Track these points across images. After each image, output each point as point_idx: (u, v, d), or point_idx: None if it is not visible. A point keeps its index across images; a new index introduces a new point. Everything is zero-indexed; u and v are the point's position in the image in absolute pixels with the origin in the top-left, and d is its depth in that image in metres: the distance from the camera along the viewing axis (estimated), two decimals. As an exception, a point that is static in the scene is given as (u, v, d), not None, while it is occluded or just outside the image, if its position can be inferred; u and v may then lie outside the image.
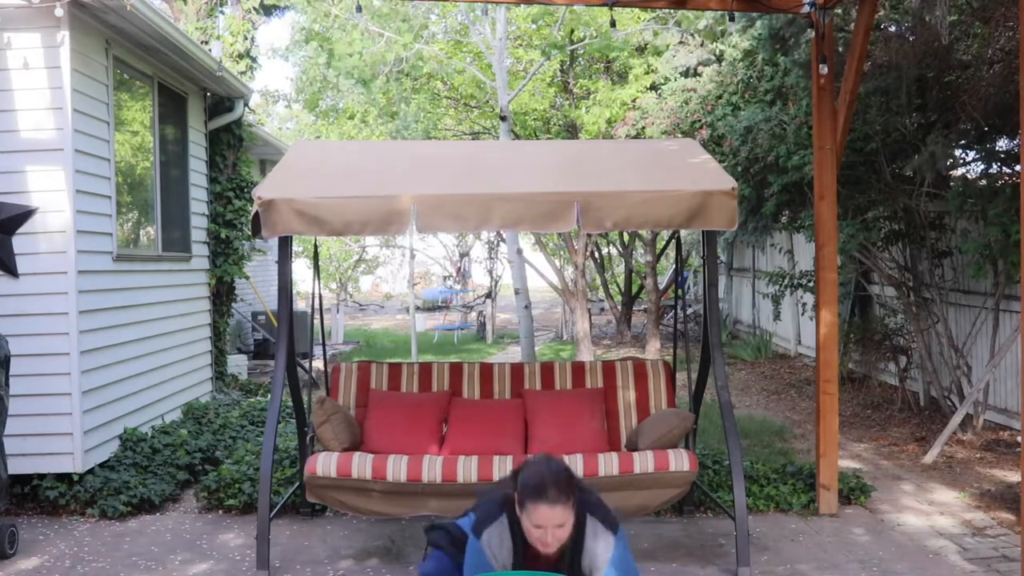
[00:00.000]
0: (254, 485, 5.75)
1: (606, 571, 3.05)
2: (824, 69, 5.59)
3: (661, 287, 16.03)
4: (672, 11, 10.13)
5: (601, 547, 3.08)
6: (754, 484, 5.87)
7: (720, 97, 9.77)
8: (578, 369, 5.64)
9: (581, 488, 3.10)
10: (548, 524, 2.93)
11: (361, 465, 4.68)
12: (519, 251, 11.52)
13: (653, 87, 12.24)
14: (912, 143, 7.73)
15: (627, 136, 11.29)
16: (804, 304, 10.07)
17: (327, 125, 17.33)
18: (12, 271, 5.07)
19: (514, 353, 14.72)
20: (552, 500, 2.93)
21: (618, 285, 18.65)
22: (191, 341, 8.22)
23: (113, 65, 6.66)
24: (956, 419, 7.12)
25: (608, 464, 4.65)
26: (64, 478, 5.90)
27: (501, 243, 17.79)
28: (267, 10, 11.44)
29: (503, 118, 11.04)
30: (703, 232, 5.13)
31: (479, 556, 3.07)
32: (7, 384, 5.01)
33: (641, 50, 13.00)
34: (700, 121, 9.77)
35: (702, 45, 10.84)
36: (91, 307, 6.11)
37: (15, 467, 5.65)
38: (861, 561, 4.88)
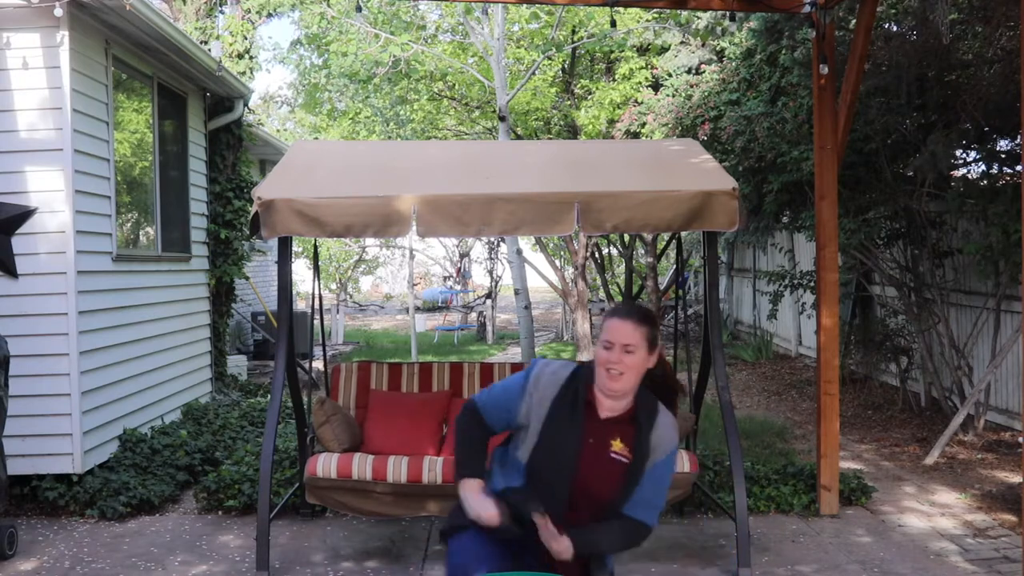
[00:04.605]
0: (254, 486, 5.74)
1: (665, 458, 2.89)
2: (825, 69, 5.58)
3: (662, 288, 16.02)
4: (676, 11, 10.12)
5: (670, 431, 2.91)
6: (755, 485, 5.86)
7: (721, 93, 9.76)
8: (578, 369, 5.62)
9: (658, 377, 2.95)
10: (617, 340, 2.79)
11: (361, 466, 4.67)
12: (519, 251, 11.51)
13: (654, 85, 12.23)
14: (913, 143, 7.72)
15: (627, 132, 11.28)
16: (804, 304, 10.06)
17: (327, 125, 17.33)
18: (12, 271, 5.06)
19: (514, 354, 14.72)
20: (623, 315, 2.84)
21: (619, 286, 18.63)
22: (191, 342, 8.21)
23: (112, 65, 6.65)
24: (957, 420, 7.11)
25: (609, 465, 4.64)
26: (63, 479, 5.89)
27: (501, 243, 17.78)
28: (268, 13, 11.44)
29: (502, 118, 11.03)
30: (704, 232, 5.11)
31: (525, 374, 2.91)
32: (6, 385, 5.00)
33: (643, 51, 13.00)
34: (702, 116, 9.76)
35: (703, 45, 10.84)
36: (90, 307, 6.10)
37: (14, 468, 5.64)
38: (862, 562, 4.87)
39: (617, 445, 2.87)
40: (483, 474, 2.93)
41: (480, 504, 2.82)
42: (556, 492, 2.83)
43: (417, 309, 18.29)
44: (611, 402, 2.88)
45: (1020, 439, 7.19)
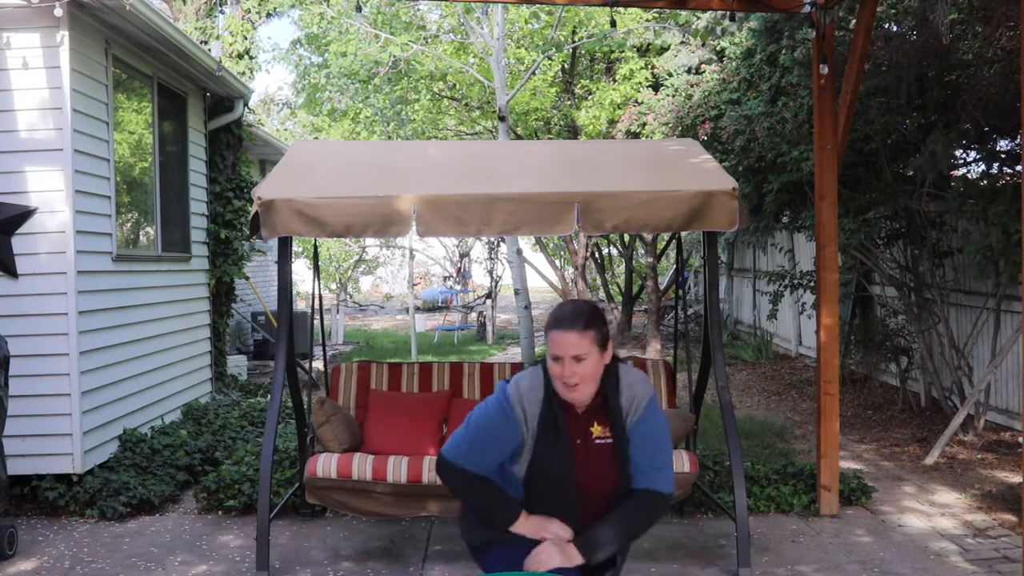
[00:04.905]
0: (254, 486, 5.74)
1: (643, 413, 2.77)
2: (825, 69, 5.58)
3: (662, 288, 16.03)
4: (676, 11, 10.12)
5: (640, 385, 2.78)
6: (755, 485, 5.86)
7: (721, 93, 9.77)
8: (578, 369, 5.62)
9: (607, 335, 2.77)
10: (564, 353, 2.64)
11: (361, 466, 4.67)
12: (519, 251, 11.50)
13: (655, 85, 12.24)
14: (913, 143, 7.72)
15: (627, 132, 11.29)
16: (804, 304, 10.06)
17: (327, 126, 17.33)
18: (12, 272, 5.06)
19: (514, 354, 14.71)
20: (566, 325, 2.65)
21: (619, 286, 18.64)
22: (191, 342, 8.21)
23: (112, 65, 6.64)
24: (957, 420, 7.11)
25: (609, 465, 4.64)
26: (63, 479, 5.89)
27: (501, 243, 17.78)
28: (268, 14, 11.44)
29: (502, 118, 11.03)
30: (704, 232, 5.11)
31: (501, 402, 2.73)
32: (6, 385, 5.00)
33: (643, 51, 13.00)
34: (702, 116, 9.76)
35: (703, 45, 10.84)
36: (90, 307, 6.10)
37: (14, 468, 5.64)
38: (862, 562, 4.87)
39: (597, 430, 2.78)
40: (521, 508, 2.79)
41: (558, 529, 2.74)
42: (565, 499, 2.75)
43: (417, 309, 18.29)
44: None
45: (1020, 439, 7.19)
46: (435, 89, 14.72)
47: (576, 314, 2.69)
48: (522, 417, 2.73)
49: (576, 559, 2.70)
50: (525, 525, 2.77)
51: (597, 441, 2.77)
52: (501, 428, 2.74)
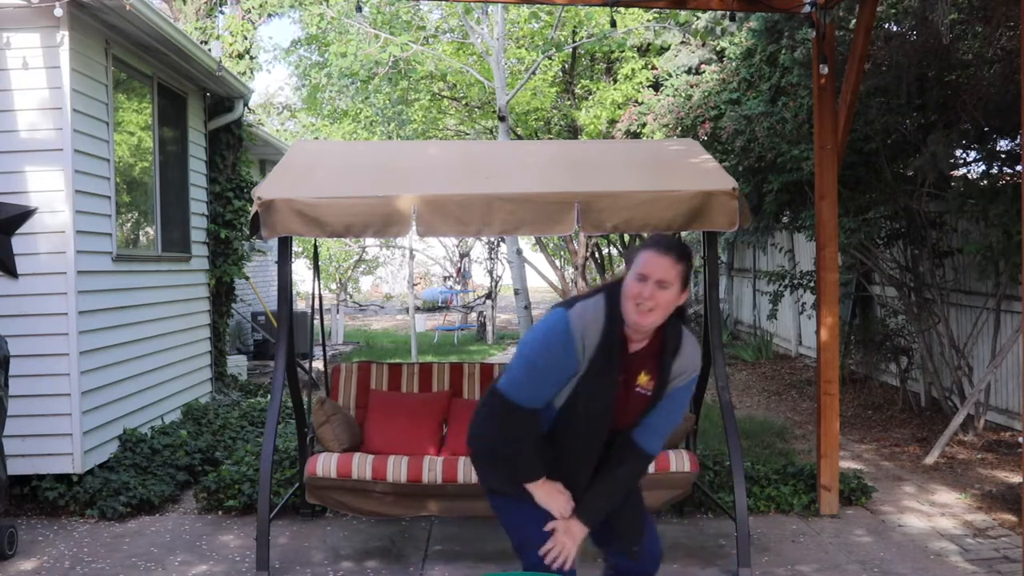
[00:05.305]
0: (254, 486, 5.74)
1: (687, 383, 2.84)
2: (825, 69, 5.58)
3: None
4: (676, 11, 10.12)
5: (696, 358, 2.84)
6: (755, 485, 5.86)
7: (721, 93, 9.78)
8: (578, 369, 5.62)
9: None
10: (652, 274, 2.64)
11: (361, 466, 4.67)
12: (519, 251, 11.51)
13: (655, 85, 12.24)
14: (913, 143, 7.72)
15: (627, 132, 11.29)
16: (804, 304, 10.06)
17: (327, 126, 17.33)
18: (12, 272, 5.05)
19: (514, 354, 14.71)
20: (663, 249, 2.67)
21: (619, 285, 18.61)
22: (191, 342, 8.21)
23: (112, 65, 6.64)
24: (957, 420, 7.11)
25: (609, 465, 4.64)
26: (63, 479, 5.89)
27: (501, 243, 17.78)
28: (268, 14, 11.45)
29: (502, 118, 11.03)
30: (704, 232, 5.11)
31: (562, 333, 2.69)
32: (6, 385, 5.00)
33: (643, 51, 13.01)
34: (702, 116, 9.77)
35: (703, 45, 10.85)
36: (90, 307, 6.10)
37: (14, 468, 5.64)
38: (862, 562, 4.87)
39: (643, 379, 2.80)
40: (544, 473, 2.86)
41: (561, 505, 2.85)
42: (594, 433, 2.81)
43: (417, 309, 18.29)
44: (639, 335, 2.77)
45: (1020, 439, 7.19)
46: (435, 89, 14.72)
47: (673, 243, 2.72)
48: (581, 348, 2.69)
49: (581, 535, 2.84)
50: (539, 487, 2.84)
51: (638, 390, 2.81)
52: (561, 359, 2.72)
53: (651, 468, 4.64)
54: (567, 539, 2.80)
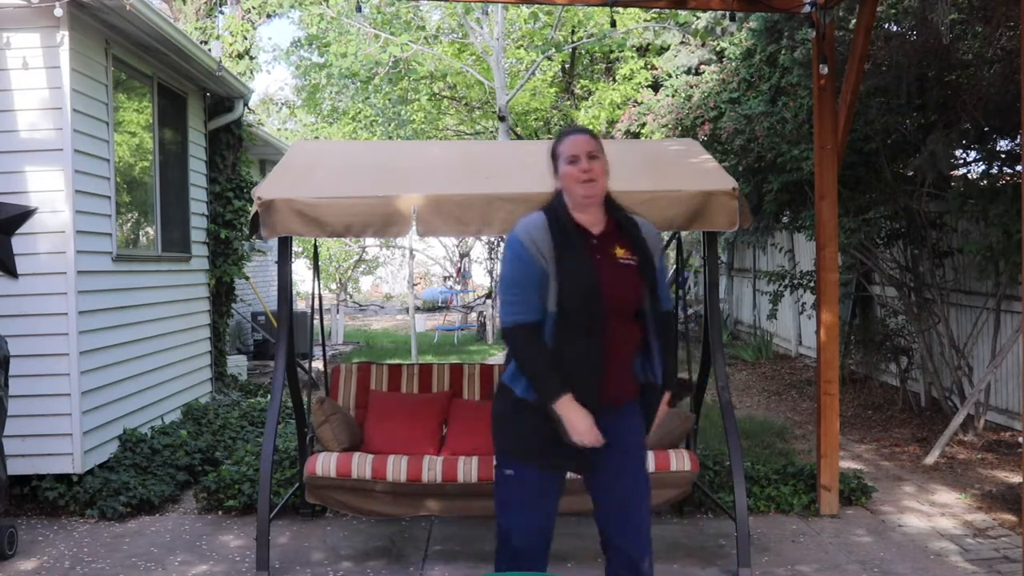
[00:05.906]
0: (254, 486, 5.74)
1: (662, 251, 3.23)
2: (825, 69, 5.58)
3: (661, 287, 15.98)
4: (675, 11, 10.12)
5: (653, 226, 3.28)
6: (755, 485, 5.86)
7: (721, 93, 9.78)
8: (578, 369, 5.61)
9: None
10: (581, 151, 3.06)
11: (361, 465, 4.67)
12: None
13: (654, 85, 12.25)
14: (913, 143, 7.72)
15: (627, 132, 11.29)
16: (804, 304, 10.05)
17: (327, 126, 17.34)
18: (12, 271, 5.06)
19: (514, 354, 14.70)
20: (580, 131, 3.14)
21: (618, 286, 18.61)
22: (191, 342, 8.21)
23: (112, 65, 6.65)
24: (957, 420, 7.11)
25: (609, 465, 4.63)
26: (63, 479, 5.89)
27: (501, 243, 17.78)
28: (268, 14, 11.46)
29: (502, 118, 11.04)
30: (704, 232, 5.11)
31: (515, 249, 3.06)
32: (6, 385, 5.00)
33: (643, 51, 13.01)
34: (702, 116, 9.77)
35: (703, 45, 10.85)
36: (90, 307, 6.10)
37: (14, 468, 5.64)
38: (862, 562, 4.87)
39: (620, 252, 3.13)
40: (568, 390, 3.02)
41: (587, 426, 2.99)
42: (593, 312, 3.02)
43: (417, 309, 18.29)
44: (592, 218, 3.13)
45: (1020, 439, 7.19)
46: (435, 89, 14.73)
47: (580, 125, 3.31)
48: (536, 251, 3.04)
49: (599, 440, 3.02)
50: (566, 407, 3.00)
51: (621, 261, 3.12)
52: (526, 266, 3.04)
53: (651, 467, 4.65)
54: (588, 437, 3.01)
